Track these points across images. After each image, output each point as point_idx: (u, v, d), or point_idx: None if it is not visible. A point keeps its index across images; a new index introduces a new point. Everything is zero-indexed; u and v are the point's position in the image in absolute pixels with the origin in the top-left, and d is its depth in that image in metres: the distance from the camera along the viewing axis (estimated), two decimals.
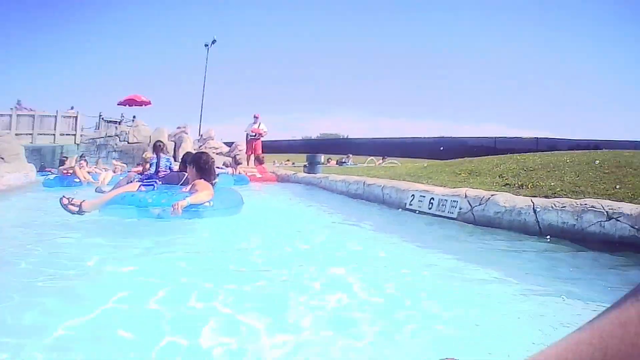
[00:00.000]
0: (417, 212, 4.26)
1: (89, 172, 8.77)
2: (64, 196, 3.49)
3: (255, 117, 12.17)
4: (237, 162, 9.61)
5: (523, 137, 21.10)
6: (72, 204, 3.41)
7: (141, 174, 6.69)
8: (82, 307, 1.60)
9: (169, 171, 5.59)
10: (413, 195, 4.44)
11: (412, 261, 2.55)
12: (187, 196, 3.34)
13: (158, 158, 6.10)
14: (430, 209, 4.12)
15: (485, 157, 6.04)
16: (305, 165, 9.04)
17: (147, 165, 6.81)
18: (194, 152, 7.73)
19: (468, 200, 3.72)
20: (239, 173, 8.89)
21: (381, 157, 16.79)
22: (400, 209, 4.52)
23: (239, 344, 1.36)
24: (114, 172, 9.17)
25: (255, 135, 12.02)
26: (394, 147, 22.15)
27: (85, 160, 9.05)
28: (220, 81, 50.38)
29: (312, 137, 38.59)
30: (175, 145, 14.09)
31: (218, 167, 7.44)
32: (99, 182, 8.12)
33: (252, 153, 11.77)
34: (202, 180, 3.64)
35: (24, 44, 49.66)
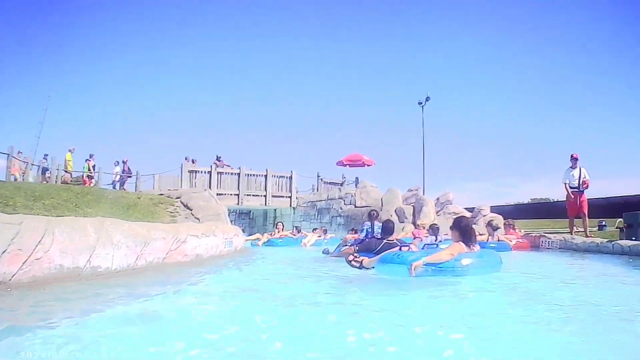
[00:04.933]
0: None
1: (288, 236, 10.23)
2: (351, 254, 4.37)
3: (575, 159, 8.41)
4: (494, 228, 8.54)
5: None
6: (355, 260, 4.19)
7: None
8: None
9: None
10: None
11: None
12: (423, 256, 3.64)
13: (372, 225, 6.14)
14: None
15: None
16: (620, 229, 7.15)
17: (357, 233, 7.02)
18: (433, 218, 7.75)
19: None
20: (498, 240, 8.02)
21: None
22: None
23: None
24: (319, 236, 10.17)
25: (579, 188, 8.33)
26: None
27: (282, 224, 10.86)
28: (438, 142, 46.03)
29: (524, 202, 33.96)
30: (414, 210, 12.81)
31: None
32: (305, 244, 9.36)
33: (575, 213, 8.45)
34: (460, 243, 3.81)
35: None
